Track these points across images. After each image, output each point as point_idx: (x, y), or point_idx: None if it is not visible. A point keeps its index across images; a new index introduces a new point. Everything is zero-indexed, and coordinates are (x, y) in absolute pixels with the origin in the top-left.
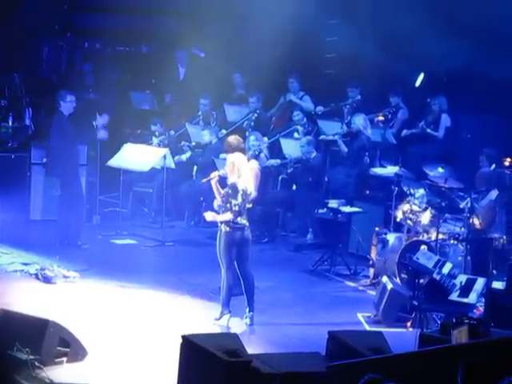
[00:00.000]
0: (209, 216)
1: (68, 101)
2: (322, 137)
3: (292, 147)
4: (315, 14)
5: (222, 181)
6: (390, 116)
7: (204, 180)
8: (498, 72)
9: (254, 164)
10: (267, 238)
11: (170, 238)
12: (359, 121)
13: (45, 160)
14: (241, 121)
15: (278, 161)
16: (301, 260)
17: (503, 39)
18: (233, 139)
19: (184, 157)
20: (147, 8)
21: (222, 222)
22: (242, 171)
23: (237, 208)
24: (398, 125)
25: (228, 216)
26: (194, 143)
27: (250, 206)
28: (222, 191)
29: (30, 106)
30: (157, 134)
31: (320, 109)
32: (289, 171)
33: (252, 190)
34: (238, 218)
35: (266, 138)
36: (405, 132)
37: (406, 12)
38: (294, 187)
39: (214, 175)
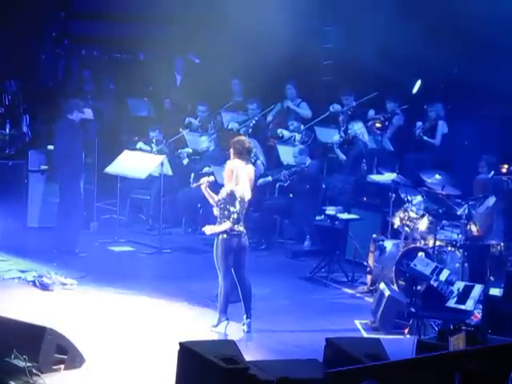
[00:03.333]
0: (208, 230)
1: (81, 111)
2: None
3: (290, 154)
4: (312, 20)
5: (215, 186)
6: (386, 123)
7: (194, 185)
8: (494, 79)
9: (251, 168)
10: (264, 245)
11: (168, 244)
12: (357, 126)
13: (43, 167)
14: (240, 127)
15: (270, 178)
16: (298, 267)
17: (500, 47)
18: (246, 142)
19: (184, 161)
20: (144, 15)
21: (223, 233)
22: (240, 178)
23: (235, 216)
24: (392, 130)
25: (227, 225)
26: (190, 150)
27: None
28: (215, 196)
29: (27, 113)
30: (154, 141)
31: (338, 107)
32: (285, 185)
33: (249, 196)
34: (236, 226)
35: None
36: (420, 124)
37: (403, 19)
38: (291, 195)
39: (204, 181)
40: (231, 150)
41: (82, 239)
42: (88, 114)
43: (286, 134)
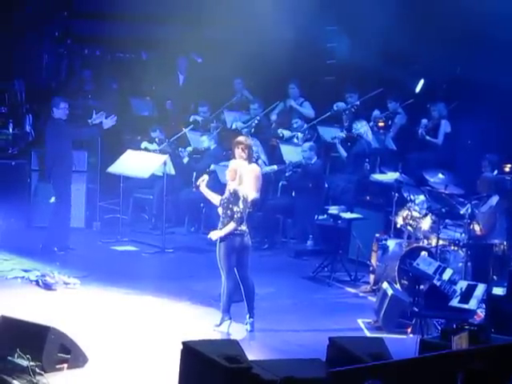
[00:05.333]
0: (213, 236)
1: (61, 107)
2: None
3: (292, 153)
4: (315, 20)
5: (218, 185)
6: (389, 122)
7: (194, 189)
8: (497, 78)
9: (255, 166)
10: (267, 245)
11: (171, 244)
12: (361, 125)
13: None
14: (244, 127)
15: (275, 167)
16: (301, 266)
17: (503, 46)
18: (246, 139)
19: (184, 160)
20: (146, 15)
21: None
22: (243, 178)
23: (238, 215)
24: (395, 130)
25: (231, 226)
26: (191, 148)
27: (251, 209)
28: (214, 195)
29: (30, 113)
30: (157, 140)
31: (341, 106)
32: (287, 174)
33: (252, 197)
34: (239, 225)
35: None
36: (424, 122)
37: (406, 18)
38: (293, 193)
39: (199, 182)
40: (243, 154)
41: (85, 238)
42: (99, 117)
43: (286, 133)
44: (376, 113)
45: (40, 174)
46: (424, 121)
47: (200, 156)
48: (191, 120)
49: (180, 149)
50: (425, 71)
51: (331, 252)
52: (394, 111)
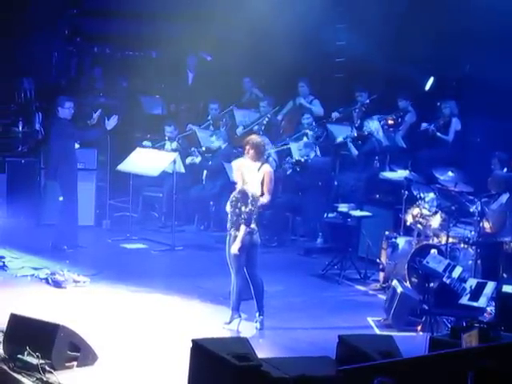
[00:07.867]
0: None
1: (66, 107)
2: (339, 139)
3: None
4: (325, 18)
5: (229, 184)
6: (399, 120)
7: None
8: (507, 76)
9: (267, 167)
10: (277, 242)
11: (180, 242)
12: (373, 124)
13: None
14: (253, 125)
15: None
16: (310, 264)
17: None
18: (251, 139)
19: (197, 160)
20: (156, 13)
21: (236, 230)
22: (245, 177)
23: (245, 216)
24: (405, 128)
25: (243, 230)
26: (204, 148)
27: (260, 209)
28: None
29: (39, 111)
30: (167, 138)
31: (335, 115)
32: (288, 173)
33: (263, 198)
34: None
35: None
36: (425, 125)
37: (415, 16)
38: (300, 193)
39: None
40: (248, 153)
41: (95, 236)
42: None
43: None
44: (374, 118)
45: (46, 173)
46: (424, 125)
47: (211, 155)
48: (187, 129)
49: (193, 148)
50: (434, 69)
51: (341, 250)
52: (403, 109)
